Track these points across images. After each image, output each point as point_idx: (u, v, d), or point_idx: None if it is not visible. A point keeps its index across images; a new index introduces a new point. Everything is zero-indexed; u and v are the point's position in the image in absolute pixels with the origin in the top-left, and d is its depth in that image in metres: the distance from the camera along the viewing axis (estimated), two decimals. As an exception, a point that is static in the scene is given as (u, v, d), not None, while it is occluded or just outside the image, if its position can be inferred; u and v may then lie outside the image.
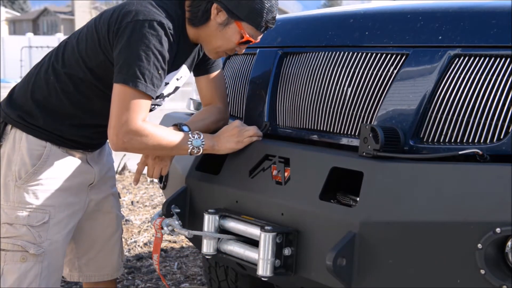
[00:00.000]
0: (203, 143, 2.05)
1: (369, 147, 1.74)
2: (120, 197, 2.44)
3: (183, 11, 2.08)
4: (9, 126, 2.11)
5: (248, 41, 2.07)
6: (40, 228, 2.08)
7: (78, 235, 2.31)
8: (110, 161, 2.38)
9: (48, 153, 2.10)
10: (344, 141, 1.94)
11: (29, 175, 2.07)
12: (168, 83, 2.15)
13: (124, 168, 6.60)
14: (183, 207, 2.21)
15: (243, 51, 2.14)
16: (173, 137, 2.03)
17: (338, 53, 2.02)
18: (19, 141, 2.09)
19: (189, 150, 2.04)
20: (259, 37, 2.11)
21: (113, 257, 2.39)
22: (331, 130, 1.99)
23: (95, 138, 2.19)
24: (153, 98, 1.98)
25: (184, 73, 2.21)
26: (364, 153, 1.75)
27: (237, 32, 2.05)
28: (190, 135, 2.04)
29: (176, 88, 2.24)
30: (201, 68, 2.27)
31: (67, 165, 2.14)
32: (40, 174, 2.08)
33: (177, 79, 2.19)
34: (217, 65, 2.30)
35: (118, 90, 1.95)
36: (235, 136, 2.08)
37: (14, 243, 2.07)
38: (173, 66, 2.09)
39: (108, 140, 1.99)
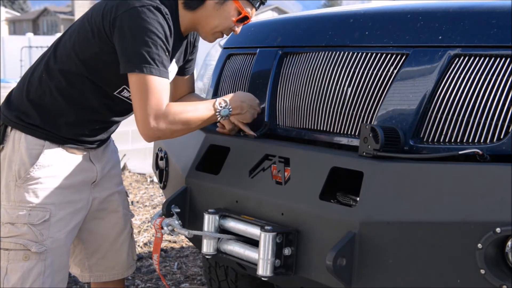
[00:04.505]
0: (231, 110, 2.10)
1: (369, 147, 1.74)
2: (128, 195, 2.43)
3: (175, 2, 2.11)
4: (9, 128, 2.13)
5: (245, 18, 2.12)
6: (41, 226, 2.09)
7: (86, 235, 2.32)
8: (114, 159, 2.38)
9: (47, 152, 2.10)
10: (344, 141, 1.94)
11: (29, 174, 2.08)
12: None
13: (124, 168, 6.60)
14: (183, 207, 2.21)
15: (239, 30, 2.17)
16: (200, 112, 2.05)
17: (338, 53, 2.02)
18: (18, 141, 2.10)
19: (218, 119, 2.09)
20: (254, 14, 2.16)
21: (122, 256, 2.40)
22: (331, 130, 1.99)
23: (93, 135, 2.19)
24: (168, 79, 2.00)
25: (173, 68, 2.23)
26: (364, 153, 1.75)
27: (234, 9, 2.09)
28: (217, 105, 2.07)
29: None
30: (179, 69, 2.32)
31: (67, 163, 2.15)
32: (39, 173, 2.09)
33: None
34: (192, 69, 2.42)
35: (134, 80, 1.96)
36: (257, 107, 2.17)
37: (16, 242, 2.08)
38: None
39: (140, 133, 2.00)
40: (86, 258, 2.37)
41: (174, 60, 2.21)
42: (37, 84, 2.12)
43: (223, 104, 2.07)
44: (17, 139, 2.10)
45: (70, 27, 2.18)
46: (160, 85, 1.96)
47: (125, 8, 1.96)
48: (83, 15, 2.15)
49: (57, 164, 2.12)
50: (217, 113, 2.06)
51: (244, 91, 2.34)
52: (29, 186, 2.09)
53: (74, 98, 2.11)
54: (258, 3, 2.13)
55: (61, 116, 2.11)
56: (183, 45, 2.24)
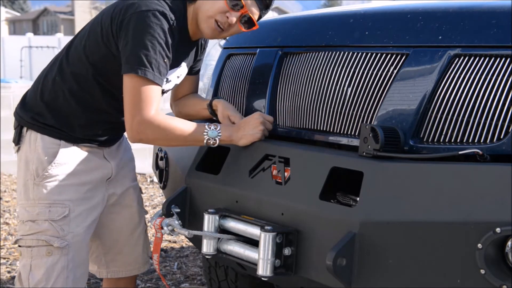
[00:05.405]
0: (220, 134, 2.05)
1: (369, 147, 1.74)
2: (142, 192, 2.45)
3: (184, 6, 2.12)
4: (25, 129, 2.18)
5: (236, 4, 2.04)
6: (61, 222, 2.13)
7: (101, 231, 2.35)
8: (128, 155, 2.41)
9: (63, 151, 2.14)
10: (344, 141, 1.94)
11: (47, 172, 2.12)
12: (170, 80, 2.18)
13: (124, 168, 6.59)
14: (183, 207, 2.22)
15: (234, 20, 2.07)
16: (188, 127, 2.04)
17: (338, 53, 2.02)
18: (34, 141, 2.14)
19: (204, 141, 2.05)
20: (252, 5, 2.08)
21: (138, 252, 2.42)
22: (331, 130, 1.99)
23: (105, 134, 2.23)
24: (160, 86, 2.01)
25: (183, 72, 2.24)
26: (364, 153, 1.75)
27: None
28: (206, 126, 2.05)
29: (175, 86, 2.28)
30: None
31: (82, 160, 2.19)
32: (57, 170, 2.13)
33: (178, 77, 2.23)
34: (198, 70, 2.42)
35: (128, 81, 1.99)
36: (258, 127, 2.06)
37: (38, 239, 2.12)
38: (174, 62, 2.11)
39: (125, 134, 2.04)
40: (103, 254, 2.40)
41: (185, 63, 2.22)
42: (50, 86, 2.17)
43: (213, 127, 2.05)
44: (33, 139, 2.15)
45: (82, 30, 2.21)
46: (151, 91, 1.98)
47: (132, 11, 1.99)
48: (94, 17, 2.18)
49: (73, 162, 2.16)
50: (205, 133, 2.04)
51: (244, 91, 2.34)
52: (47, 183, 2.12)
53: (85, 101, 2.15)
54: None
55: (73, 118, 2.16)
56: (193, 48, 2.26)
